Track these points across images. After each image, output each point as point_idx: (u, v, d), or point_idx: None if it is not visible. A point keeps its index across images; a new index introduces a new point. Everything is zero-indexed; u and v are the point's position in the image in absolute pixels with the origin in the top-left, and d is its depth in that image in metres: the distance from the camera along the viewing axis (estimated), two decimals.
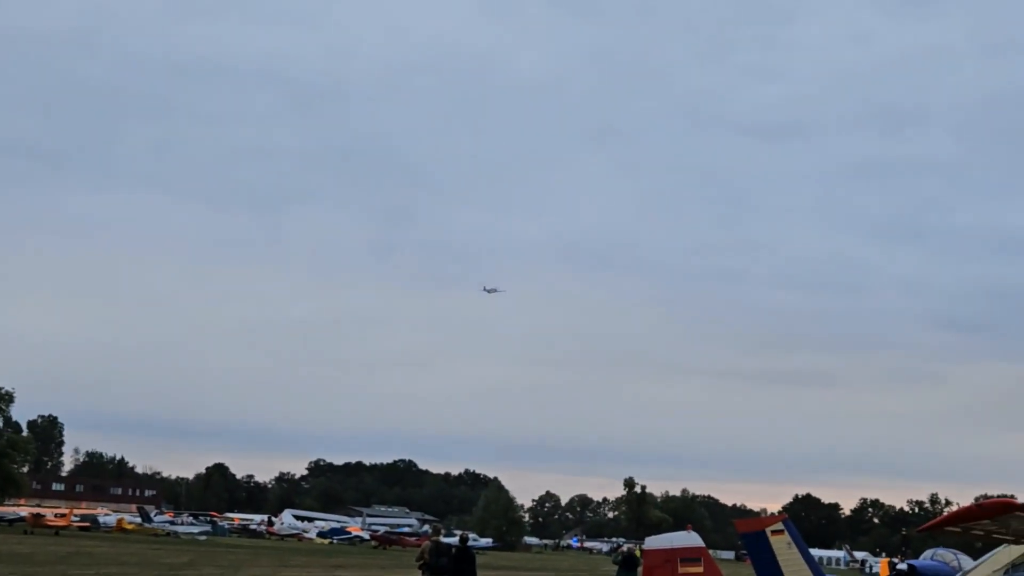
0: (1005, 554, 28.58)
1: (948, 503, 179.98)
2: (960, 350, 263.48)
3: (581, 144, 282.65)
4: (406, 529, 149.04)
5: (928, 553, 44.45)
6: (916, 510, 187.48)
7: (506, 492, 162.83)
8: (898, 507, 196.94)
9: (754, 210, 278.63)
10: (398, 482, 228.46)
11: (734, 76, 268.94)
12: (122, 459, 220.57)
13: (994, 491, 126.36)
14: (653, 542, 34.46)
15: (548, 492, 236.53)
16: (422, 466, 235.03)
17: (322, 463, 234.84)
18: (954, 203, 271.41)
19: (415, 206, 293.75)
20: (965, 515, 25.46)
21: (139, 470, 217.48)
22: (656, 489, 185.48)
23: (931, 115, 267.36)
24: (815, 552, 79.57)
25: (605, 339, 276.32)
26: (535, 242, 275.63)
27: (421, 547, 33.07)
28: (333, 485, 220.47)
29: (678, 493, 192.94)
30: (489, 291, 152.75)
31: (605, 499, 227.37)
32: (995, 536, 27.40)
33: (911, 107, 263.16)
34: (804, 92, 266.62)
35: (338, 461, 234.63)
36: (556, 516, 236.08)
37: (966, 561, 38.69)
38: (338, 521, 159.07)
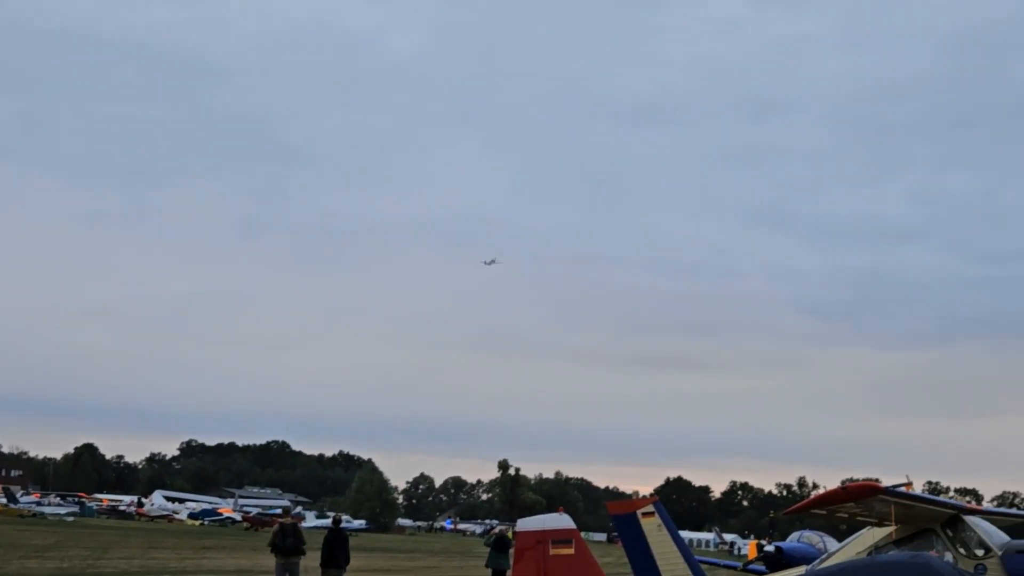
0: (869, 536, 29.35)
1: (815, 486, 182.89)
2: (826, 336, 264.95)
3: (455, 126, 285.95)
4: (278, 511, 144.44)
5: (795, 535, 45.80)
6: (784, 493, 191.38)
7: (380, 474, 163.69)
8: (767, 490, 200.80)
9: (627, 194, 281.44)
10: (271, 463, 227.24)
11: (607, 60, 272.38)
12: None
13: (860, 474, 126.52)
14: (525, 524, 34.46)
15: (422, 474, 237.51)
16: (296, 447, 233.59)
17: (194, 444, 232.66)
18: (821, 191, 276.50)
19: (288, 186, 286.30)
20: (830, 498, 26.79)
21: (5, 450, 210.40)
22: (530, 471, 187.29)
23: (800, 104, 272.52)
24: (685, 534, 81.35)
25: (478, 321, 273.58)
26: (408, 223, 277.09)
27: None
28: (205, 466, 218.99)
29: (552, 476, 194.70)
30: (488, 263, 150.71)
31: (479, 481, 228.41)
32: (859, 519, 28.57)
33: (780, 95, 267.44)
34: (676, 78, 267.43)
35: (210, 442, 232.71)
36: (430, 498, 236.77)
37: (831, 543, 39.96)
38: (209, 503, 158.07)
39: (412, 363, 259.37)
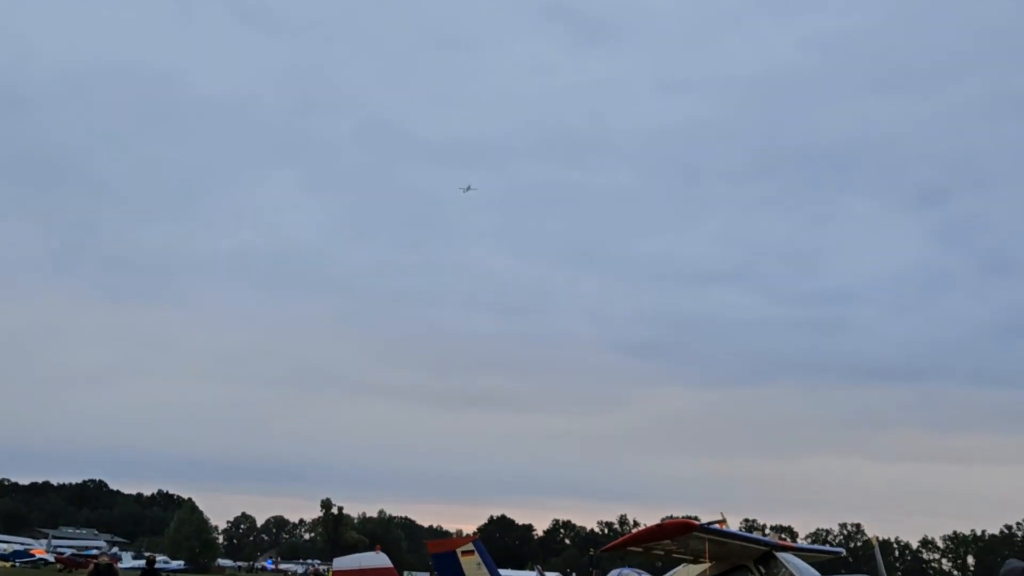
0: (684, 572, 30.98)
1: (636, 523, 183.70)
2: (643, 376, 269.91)
3: (270, 161, 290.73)
4: (94, 551, 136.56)
5: (614, 572, 48.30)
6: (606, 531, 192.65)
7: (200, 513, 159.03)
8: (589, 528, 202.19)
9: (443, 233, 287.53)
10: (87, 503, 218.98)
11: (421, 100, 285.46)
12: None
13: (680, 512, 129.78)
14: (341, 563, 36.78)
15: (243, 513, 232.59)
16: (113, 486, 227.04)
17: (6, 483, 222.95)
18: (634, 232, 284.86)
19: (98, 219, 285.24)
20: (647, 535, 28.22)
21: None
22: (353, 510, 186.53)
23: (612, 146, 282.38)
24: (508, 572, 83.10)
25: (297, 358, 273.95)
26: (223, 258, 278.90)
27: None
28: (18, 506, 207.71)
29: (375, 514, 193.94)
30: (465, 190, 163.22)
31: (302, 520, 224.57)
32: (675, 555, 30.21)
33: (593, 137, 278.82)
34: (490, 118, 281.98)
35: (23, 481, 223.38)
36: (251, 538, 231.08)
37: None
38: (21, 543, 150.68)
39: (232, 400, 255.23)
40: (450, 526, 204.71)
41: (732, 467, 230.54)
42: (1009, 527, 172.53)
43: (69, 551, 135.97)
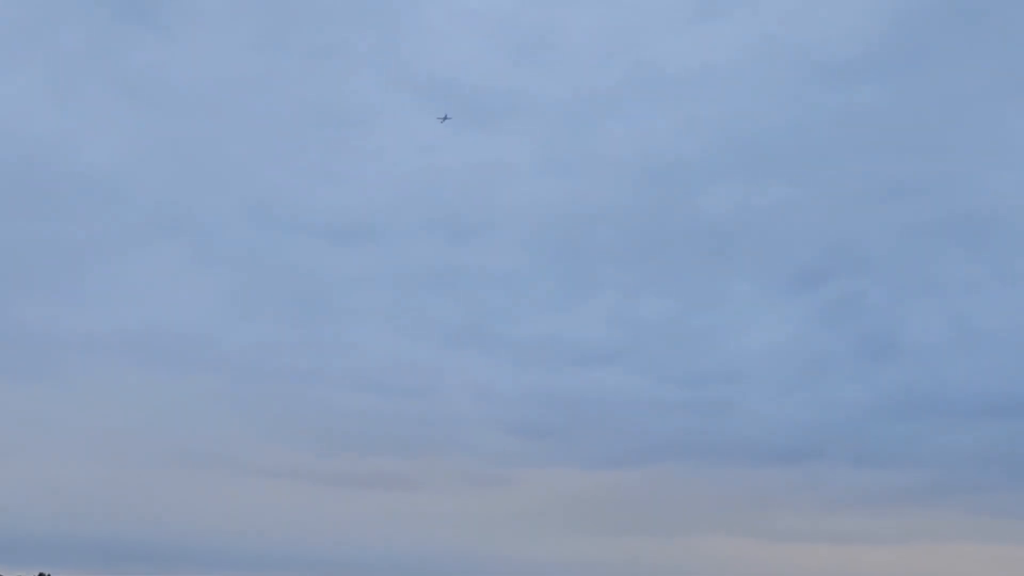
0: None
1: None
2: (528, 455, 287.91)
3: (154, 237, 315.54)
4: None
5: None
6: None
7: None
8: None
9: (328, 311, 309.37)
10: None
11: (307, 178, 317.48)
12: None
13: None
14: None
15: None
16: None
17: None
18: (521, 313, 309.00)
19: None
20: None
21: None
22: None
23: (498, 227, 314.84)
24: None
25: (178, 437, 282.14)
26: (105, 336, 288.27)
27: None
28: None
29: None
30: (442, 120, 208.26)
31: None
32: None
33: (479, 218, 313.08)
34: (375, 197, 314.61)
35: None
36: None
37: None
38: None
39: (115, 480, 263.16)
40: None
41: (618, 547, 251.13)
42: None
43: None
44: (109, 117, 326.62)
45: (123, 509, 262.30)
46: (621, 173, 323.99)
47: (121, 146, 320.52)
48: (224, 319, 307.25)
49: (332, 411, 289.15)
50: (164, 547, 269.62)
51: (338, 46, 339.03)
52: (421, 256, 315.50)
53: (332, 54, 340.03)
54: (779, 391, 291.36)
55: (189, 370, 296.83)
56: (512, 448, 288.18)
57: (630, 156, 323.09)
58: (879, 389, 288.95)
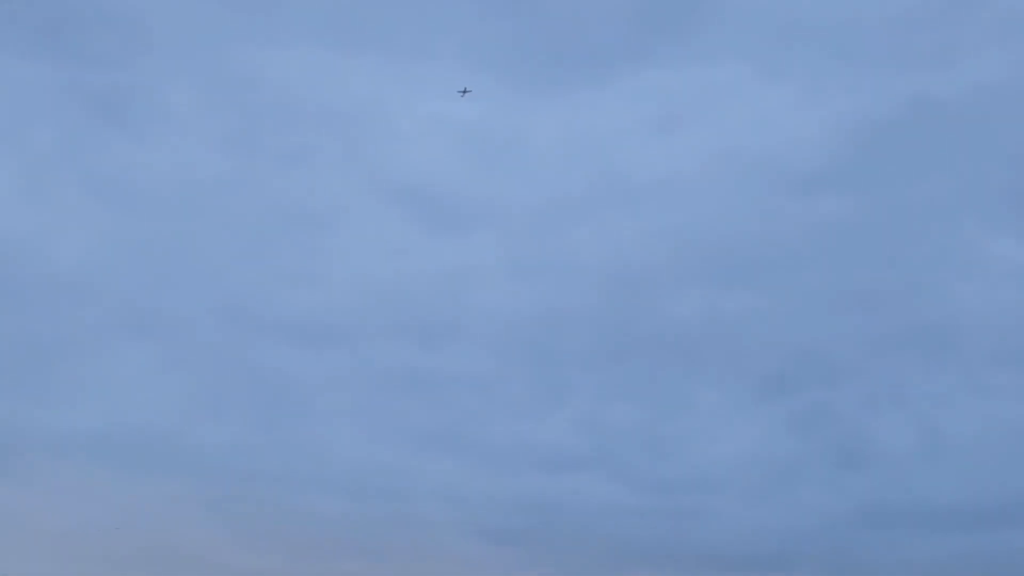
0: None
1: None
2: (499, 561, 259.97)
3: (122, 336, 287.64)
4: None
5: None
6: None
7: None
8: None
9: (297, 414, 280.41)
10: None
11: (275, 279, 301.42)
12: None
13: None
14: None
15: None
16: None
17: None
18: (488, 417, 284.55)
19: None
20: None
21: None
22: None
23: (466, 331, 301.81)
24: None
25: (144, 538, 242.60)
26: (69, 434, 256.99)
27: None
28: None
29: None
30: (462, 92, 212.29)
31: None
32: None
33: (446, 321, 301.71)
34: (344, 300, 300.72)
35: None
36: None
37: None
38: None
39: None
40: None
41: None
42: None
43: None
44: (79, 216, 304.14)
45: None
46: (589, 278, 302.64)
47: (90, 245, 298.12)
48: (192, 420, 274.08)
49: (301, 514, 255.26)
50: None
51: (308, 149, 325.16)
52: (390, 359, 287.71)
53: (301, 157, 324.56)
54: (748, 499, 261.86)
55: (156, 470, 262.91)
56: (484, 553, 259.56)
57: (598, 262, 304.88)
58: (848, 498, 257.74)
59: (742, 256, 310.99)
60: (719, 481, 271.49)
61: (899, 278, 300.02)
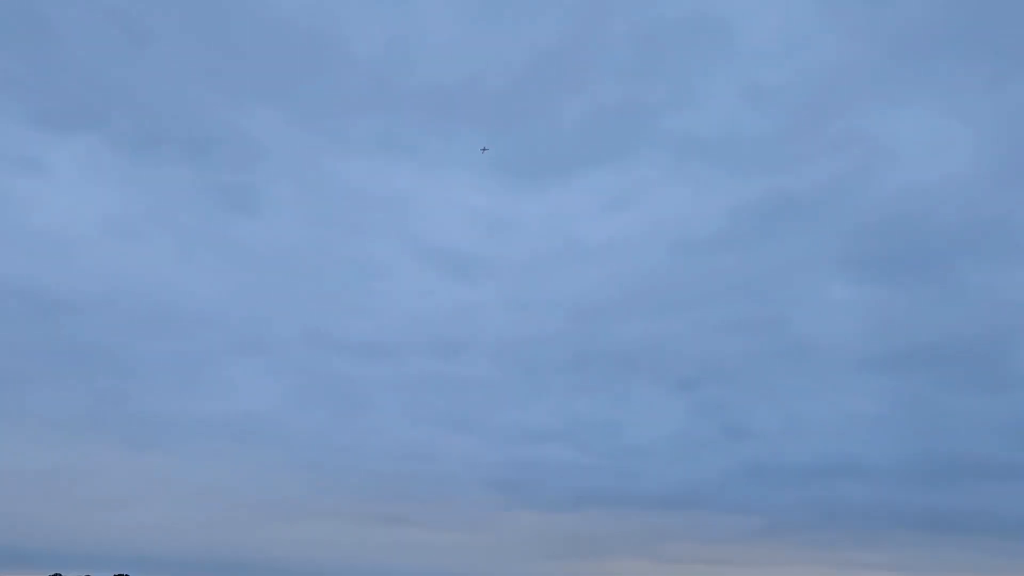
0: None
1: None
2: (499, 503, 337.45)
3: (239, 352, 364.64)
4: None
5: None
6: None
7: None
8: None
9: (359, 406, 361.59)
10: None
11: (345, 313, 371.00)
12: None
13: None
14: None
15: None
16: None
17: None
18: (491, 407, 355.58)
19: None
20: None
21: None
22: None
23: (476, 346, 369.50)
24: None
25: (255, 491, 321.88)
26: (203, 419, 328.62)
27: None
28: None
29: None
30: (483, 150, 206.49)
31: None
32: None
33: (461, 341, 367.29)
34: (391, 327, 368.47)
35: (71, 574, 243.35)
36: None
37: None
38: None
39: (206, 521, 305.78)
40: None
41: (561, 567, 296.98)
42: None
43: None
44: (213, 271, 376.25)
45: (216, 539, 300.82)
46: (559, 312, 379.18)
47: (220, 291, 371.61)
48: (288, 409, 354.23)
49: (362, 472, 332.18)
50: (244, 564, 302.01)
51: (367, 225, 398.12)
52: (423, 367, 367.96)
53: (363, 230, 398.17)
54: (667, 460, 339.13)
55: (263, 444, 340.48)
56: (488, 498, 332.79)
57: (565, 300, 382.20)
58: (734, 460, 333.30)
59: (663, 296, 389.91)
60: (647, 449, 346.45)
61: (769, 311, 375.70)
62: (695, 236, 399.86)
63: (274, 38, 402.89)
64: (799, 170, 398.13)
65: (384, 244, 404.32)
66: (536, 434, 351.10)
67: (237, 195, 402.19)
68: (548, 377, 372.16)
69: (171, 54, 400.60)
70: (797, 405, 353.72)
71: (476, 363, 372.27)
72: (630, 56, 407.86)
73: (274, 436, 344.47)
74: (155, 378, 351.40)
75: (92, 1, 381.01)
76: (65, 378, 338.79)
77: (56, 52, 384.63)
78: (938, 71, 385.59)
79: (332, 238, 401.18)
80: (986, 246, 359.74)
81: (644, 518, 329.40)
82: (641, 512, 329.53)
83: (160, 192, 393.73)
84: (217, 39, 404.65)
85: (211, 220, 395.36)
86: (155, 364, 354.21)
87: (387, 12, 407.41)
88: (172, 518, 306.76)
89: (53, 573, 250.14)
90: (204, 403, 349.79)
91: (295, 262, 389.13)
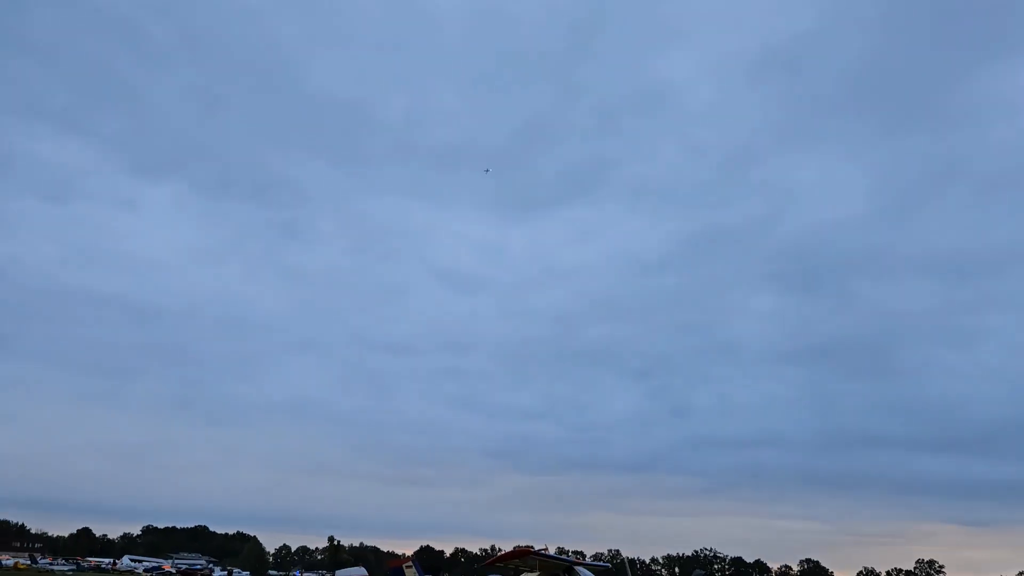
0: None
1: (499, 549, 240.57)
2: (496, 468, 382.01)
3: (295, 351, 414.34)
4: (198, 566, 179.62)
5: None
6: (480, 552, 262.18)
7: (260, 544, 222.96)
8: (472, 550, 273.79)
9: (390, 392, 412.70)
10: (197, 539, 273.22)
11: (377, 320, 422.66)
12: (22, 524, 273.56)
13: (523, 543, 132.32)
14: (341, 573, 79.40)
15: (284, 544, 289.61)
16: (212, 529, 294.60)
17: (149, 527, 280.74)
18: (491, 392, 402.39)
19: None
20: (506, 556, 52.32)
21: (33, 531, 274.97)
22: (348, 542, 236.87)
23: (480, 346, 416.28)
24: None
25: (309, 458, 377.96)
26: (267, 403, 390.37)
27: None
28: (156, 540, 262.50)
29: (358, 545, 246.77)
30: (486, 170, 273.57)
31: (316, 548, 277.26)
32: (521, 569, 53.44)
33: (467, 343, 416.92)
34: (413, 331, 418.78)
35: (160, 525, 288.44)
36: (289, 559, 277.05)
37: None
38: (155, 563, 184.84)
39: (271, 480, 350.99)
40: (400, 551, 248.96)
41: (547, 519, 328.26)
42: (697, 551, 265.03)
43: (184, 566, 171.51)
44: (270, 288, 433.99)
45: (275, 497, 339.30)
46: (542, 320, 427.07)
47: (277, 303, 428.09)
48: (333, 394, 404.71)
49: (391, 445, 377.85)
50: (298, 516, 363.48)
51: (393, 252, 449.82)
52: (437, 362, 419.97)
53: (390, 256, 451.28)
54: (627, 434, 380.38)
55: (312, 423, 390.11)
56: (489, 464, 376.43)
57: (547, 310, 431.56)
58: (679, 434, 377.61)
59: (622, 306, 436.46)
60: (612, 425, 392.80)
61: (706, 317, 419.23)
62: (647, 260, 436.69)
63: (319, 105, 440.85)
64: (729, 208, 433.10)
65: (407, 267, 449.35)
66: (525, 414, 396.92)
67: (291, 228, 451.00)
68: (534, 369, 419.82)
69: (239, 117, 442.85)
70: (728, 390, 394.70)
71: (478, 359, 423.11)
72: (594, 121, 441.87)
73: (322, 416, 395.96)
74: (229, 371, 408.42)
75: (177, 75, 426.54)
76: (156, 372, 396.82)
77: (148, 116, 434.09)
78: (836, 128, 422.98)
79: (366, 262, 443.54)
80: (874, 267, 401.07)
81: (610, 480, 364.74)
82: (607, 475, 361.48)
83: (231, 226, 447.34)
84: (275, 106, 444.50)
85: (271, 248, 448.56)
86: (228, 361, 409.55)
87: (406, 86, 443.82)
88: (241, 481, 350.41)
89: (145, 524, 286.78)
90: (267, 390, 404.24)
91: (337, 281, 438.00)
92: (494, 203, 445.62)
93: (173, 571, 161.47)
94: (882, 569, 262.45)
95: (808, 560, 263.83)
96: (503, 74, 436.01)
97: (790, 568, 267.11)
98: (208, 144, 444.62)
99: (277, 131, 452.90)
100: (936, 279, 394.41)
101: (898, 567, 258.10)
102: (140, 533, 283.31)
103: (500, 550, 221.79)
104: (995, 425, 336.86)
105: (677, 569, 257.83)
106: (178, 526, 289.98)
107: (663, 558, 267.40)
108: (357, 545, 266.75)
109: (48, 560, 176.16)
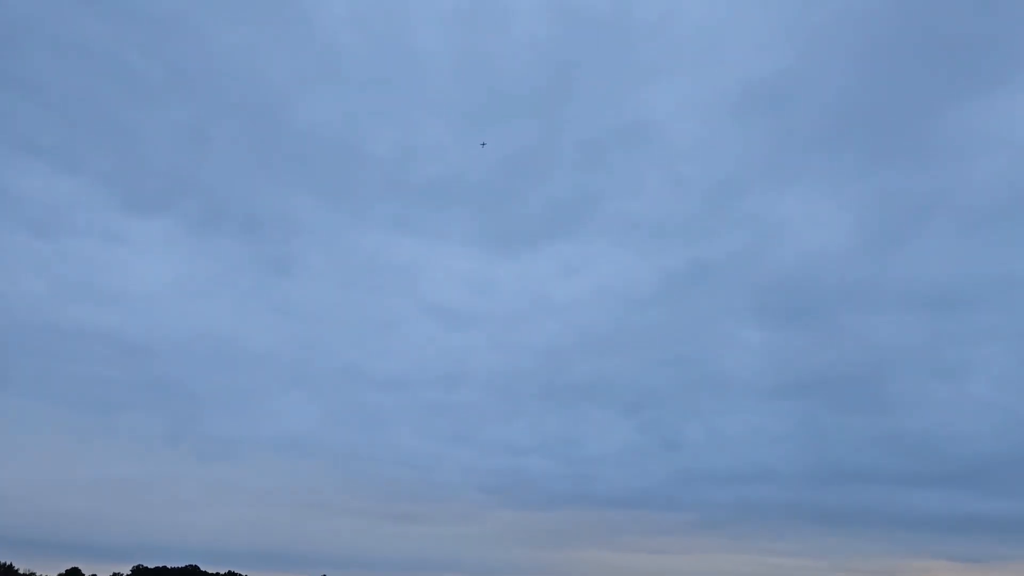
0: None
1: None
2: (489, 503, 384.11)
3: (287, 385, 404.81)
4: None
5: None
6: None
7: None
8: None
9: (381, 425, 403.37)
10: None
11: (369, 355, 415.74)
12: (10, 564, 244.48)
13: None
14: None
15: None
16: (203, 568, 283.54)
17: (139, 567, 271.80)
18: (483, 426, 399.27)
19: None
20: None
21: (21, 571, 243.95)
22: None
23: (470, 380, 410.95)
24: None
25: (301, 492, 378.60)
26: (260, 437, 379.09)
27: None
28: None
29: None
30: (483, 144, 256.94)
31: None
32: None
33: (458, 375, 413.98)
34: (404, 365, 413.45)
35: (151, 564, 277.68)
36: None
37: None
38: None
39: (263, 516, 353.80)
40: None
41: (536, 556, 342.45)
42: None
43: None
44: (263, 323, 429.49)
45: (267, 533, 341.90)
46: (531, 352, 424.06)
47: (270, 337, 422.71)
48: (326, 428, 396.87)
49: (382, 479, 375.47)
50: (290, 553, 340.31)
51: (384, 288, 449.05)
52: (429, 396, 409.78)
53: (382, 291, 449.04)
54: (618, 468, 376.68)
55: (305, 457, 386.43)
56: (480, 499, 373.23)
57: (537, 344, 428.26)
58: (669, 467, 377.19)
59: (611, 340, 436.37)
60: (603, 458, 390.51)
61: (694, 351, 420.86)
62: (635, 294, 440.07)
63: (309, 141, 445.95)
64: (714, 242, 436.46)
65: (397, 301, 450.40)
66: (516, 448, 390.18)
67: (281, 262, 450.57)
68: (524, 403, 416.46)
69: (227, 153, 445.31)
70: (719, 424, 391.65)
71: (469, 393, 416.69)
72: (581, 156, 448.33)
73: (313, 451, 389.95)
74: (219, 406, 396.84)
75: (166, 113, 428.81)
76: (146, 406, 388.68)
77: (139, 152, 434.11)
78: (819, 162, 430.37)
79: (356, 296, 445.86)
80: (860, 300, 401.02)
81: (600, 515, 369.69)
82: (598, 510, 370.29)
83: (220, 260, 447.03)
84: (263, 142, 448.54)
85: (261, 282, 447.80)
86: (219, 395, 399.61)
87: (395, 123, 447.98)
88: (232, 517, 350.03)
89: (136, 564, 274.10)
90: (258, 425, 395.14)
91: (328, 315, 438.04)
92: (483, 237, 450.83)
93: None
94: None
95: None
96: (490, 110, 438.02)
97: None
98: (198, 180, 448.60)
99: (267, 167, 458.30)
100: (922, 312, 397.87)
101: None
102: (130, 573, 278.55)
103: None
104: (984, 459, 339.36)
105: None
106: (169, 565, 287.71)
107: None
108: None
109: None
